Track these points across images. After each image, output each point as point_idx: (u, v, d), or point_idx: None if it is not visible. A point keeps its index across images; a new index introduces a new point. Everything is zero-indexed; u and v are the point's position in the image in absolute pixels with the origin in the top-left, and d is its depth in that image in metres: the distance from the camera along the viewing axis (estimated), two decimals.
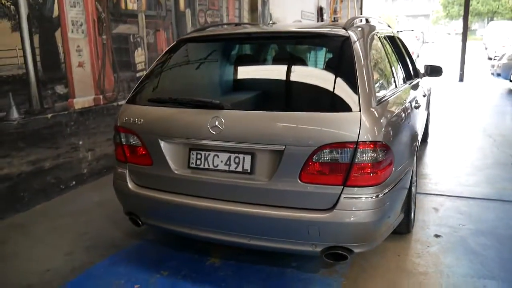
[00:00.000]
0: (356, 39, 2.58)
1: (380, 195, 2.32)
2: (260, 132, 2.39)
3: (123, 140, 2.79)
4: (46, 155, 4.12)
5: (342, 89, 2.40)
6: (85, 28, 4.54)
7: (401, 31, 26.03)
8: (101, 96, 4.80)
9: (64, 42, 4.28)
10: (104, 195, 4.00)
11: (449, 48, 29.94)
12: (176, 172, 2.59)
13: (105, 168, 4.75)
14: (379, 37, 3.21)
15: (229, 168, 2.47)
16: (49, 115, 4.14)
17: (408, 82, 3.76)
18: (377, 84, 2.62)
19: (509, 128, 7.14)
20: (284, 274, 2.78)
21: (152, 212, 2.80)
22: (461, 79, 13.38)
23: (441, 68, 4.81)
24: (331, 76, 2.54)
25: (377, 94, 2.47)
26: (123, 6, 5.12)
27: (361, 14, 16.38)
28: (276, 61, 3.33)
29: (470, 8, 19.54)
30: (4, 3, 3.69)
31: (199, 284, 2.71)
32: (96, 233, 3.44)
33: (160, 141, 2.61)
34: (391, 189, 2.43)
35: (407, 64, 4.08)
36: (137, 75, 5.33)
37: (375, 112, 2.33)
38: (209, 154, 2.52)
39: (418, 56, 18.77)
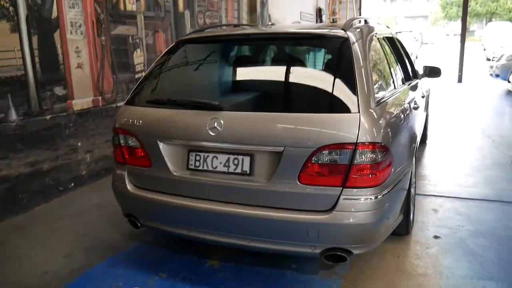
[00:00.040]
0: (355, 40, 2.58)
1: (379, 196, 2.32)
2: (259, 134, 2.39)
3: (121, 141, 2.79)
4: (45, 156, 4.11)
5: (341, 90, 2.40)
6: (84, 29, 4.54)
7: (399, 32, 26.07)
8: (100, 98, 4.79)
9: (63, 43, 4.27)
10: (103, 197, 3.99)
11: (447, 49, 29.97)
12: (175, 173, 2.58)
13: (104, 169, 4.75)
14: (377, 38, 3.21)
15: (228, 169, 2.47)
16: (48, 117, 4.13)
17: (407, 83, 3.76)
18: (376, 85, 2.62)
19: (508, 128, 7.15)
20: (283, 276, 2.78)
21: (151, 214, 2.79)
22: (459, 80, 13.40)
23: (439, 69, 4.81)
24: (330, 77, 2.54)
25: (376, 95, 2.47)
26: (122, 7, 5.11)
27: (360, 15, 16.40)
28: (275, 62, 3.32)
29: (469, 9, 19.58)
30: (3, 4, 3.68)
31: (198, 286, 2.70)
32: (95, 235, 3.43)
33: (159, 142, 2.61)
34: (390, 190, 2.43)
35: (406, 65, 4.08)
36: (136, 76, 5.33)
37: (374, 113, 2.33)
38: (208, 156, 2.51)
39: (416, 57, 18.79)
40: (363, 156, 2.25)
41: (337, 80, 2.43)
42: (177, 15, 6.31)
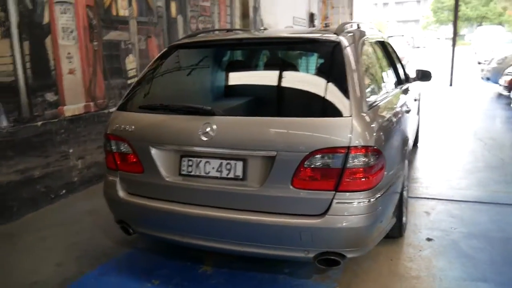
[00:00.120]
0: (347, 44, 2.59)
1: (372, 200, 2.32)
2: (252, 138, 2.38)
3: (113, 147, 2.77)
4: (36, 163, 4.07)
5: (333, 94, 2.40)
6: (76, 34, 4.52)
7: (391, 36, 26.22)
8: (92, 103, 4.77)
9: (54, 49, 4.25)
10: (95, 203, 3.96)
11: (439, 53, 30.18)
12: (167, 179, 2.57)
13: (96, 176, 4.71)
14: (370, 42, 3.23)
15: (220, 174, 2.46)
16: (39, 123, 4.10)
17: (399, 87, 3.78)
18: (368, 89, 2.63)
19: (499, 131, 7.21)
20: (276, 281, 2.77)
21: (143, 220, 2.77)
22: (451, 84, 13.48)
23: (430, 73, 4.85)
24: (322, 81, 2.54)
25: (368, 99, 2.47)
26: (114, 12, 5.10)
27: (352, 19, 16.49)
28: (268, 66, 3.33)
29: (460, 13, 19.75)
30: None
31: None
32: (87, 242, 3.40)
33: (151, 148, 2.59)
34: (383, 193, 2.43)
35: (398, 69, 4.10)
36: (128, 82, 5.30)
37: (366, 117, 2.33)
38: (200, 161, 2.50)
39: (408, 61, 18.89)
40: (355, 160, 2.25)
41: (330, 84, 2.44)
42: (170, 20, 6.31)
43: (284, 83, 2.79)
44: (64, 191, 4.38)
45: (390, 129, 2.73)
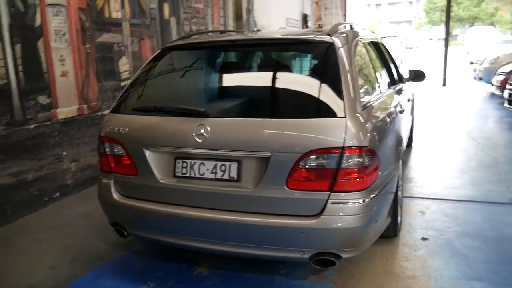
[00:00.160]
0: (340, 45, 2.60)
1: (367, 200, 2.32)
2: (246, 139, 2.38)
3: (107, 150, 2.76)
4: (29, 166, 4.05)
5: (327, 95, 2.40)
6: (68, 37, 4.50)
7: (384, 37, 26.34)
8: (85, 106, 4.75)
9: (47, 52, 4.23)
10: (89, 206, 3.94)
11: (431, 53, 30.35)
12: (161, 181, 2.56)
13: (90, 179, 4.69)
14: (363, 43, 3.23)
15: (215, 176, 2.45)
16: (32, 126, 4.07)
17: (393, 87, 3.79)
18: (362, 90, 2.64)
19: (492, 130, 7.25)
20: (272, 282, 2.76)
21: (138, 223, 2.76)
22: (444, 84, 13.56)
23: (424, 73, 4.87)
24: (316, 82, 2.55)
25: (362, 100, 2.48)
26: (107, 15, 5.08)
27: (345, 20, 16.54)
28: (261, 68, 3.33)
29: (452, 14, 19.87)
30: None
31: None
32: (81, 245, 3.38)
33: (145, 150, 2.58)
34: (377, 193, 2.43)
35: (391, 70, 4.12)
36: (122, 84, 5.29)
37: (360, 117, 2.34)
38: (195, 163, 2.49)
39: (401, 62, 18.98)
40: (350, 160, 2.25)
41: (323, 85, 2.44)
42: (163, 22, 6.30)
43: (278, 84, 2.79)
44: (58, 194, 4.35)
45: (384, 129, 2.74)
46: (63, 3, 4.41)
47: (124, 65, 5.40)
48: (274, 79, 2.83)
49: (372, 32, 4.25)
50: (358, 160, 2.26)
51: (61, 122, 4.40)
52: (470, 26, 40.77)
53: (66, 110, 4.47)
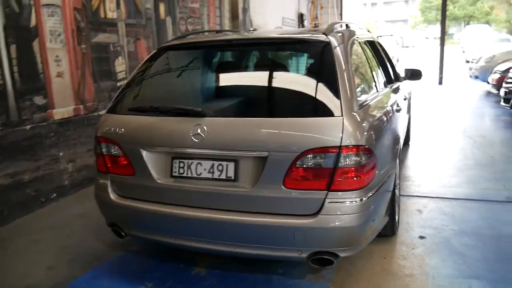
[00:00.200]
0: (336, 44, 2.60)
1: (364, 199, 2.32)
2: (243, 139, 2.38)
3: (104, 150, 2.75)
4: (26, 167, 4.03)
5: (324, 94, 2.40)
6: (64, 37, 4.48)
7: (380, 36, 26.38)
8: (81, 106, 4.73)
9: (42, 52, 4.21)
10: (86, 207, 3.93)
11: (428, 52, 30.41)
12: (158, 181, 2.56)
13: (87, 179, 4.67)
14: (359, 42, 3.24)
15: (212, 176, 2.45)
16: (28, 127, 4.06)
17: (389, 86, 3.79)
18: (359, 89, 2.64)
19: (488, 129, 7.27)
20: (270, 281, 2.76)
21: (135, 223, 2.75)
22: (440, 82, 13.60)
23: (420, 72, 4.88)
24: (312, 81, 2.55)
25: (358, 98, 2.48)
26: (102, 15, 5.07)
27: (341, 19, 16.55)
28: (258, 67, 3.32)
29: (447, 12, 19.89)
30: None
31: None
32: (78, 245, 3.37)
33: (141, 150, 2.58)
34: (375, 192, 2.44)
35: (388, 68, 4.12)
36: (118, 84, 5.27)
37: (357, 116, 2.34)
38: (192, 162, 2.49)
39: (398, 61, 19.01)
40: (347, 159, 2.25)
41: (320, 84, 2.44)
42: (159, 22, 6.28)
43: (275, 84, 2.79)
44: (54, 194, 4.34)
45: (381, 128, 2.74)
46: (58, 3, 4.40)
47: (120, 65, 5.38)
48: (270, 78, 2.83)
49: (368, 31, 4.25)
50: (355, 159, 2.26)
51: (57, 123, 4.39)
52: (466, 24, 40.92)
53: (62, 110, 4.46)
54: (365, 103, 2.59)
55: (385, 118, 2.90)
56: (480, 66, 11.58)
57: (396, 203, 3.25)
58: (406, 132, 5.38)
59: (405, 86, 4.76)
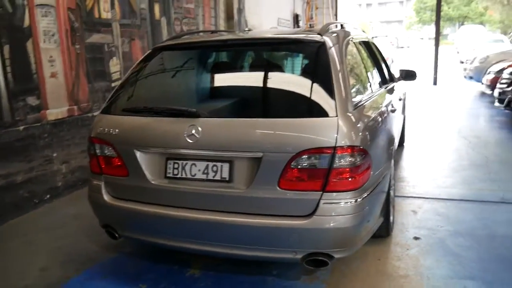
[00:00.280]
0: (331, 45, 2.59)
1: (359, 200, 2.32)
2: (238, 140, 2.37)
3: (97, 151, 2.73)
4: (19, 168, 4.00)
5: (319, 95, 2.40)
6: (58, 38, 4.45)
7: (376, 36, 26.45)
8: (75, 107, 4.70)
9: (36, 53, 4.18)
10: (80, 208, 3.90)
11: (422, 52, 30.51)
12: (153, 182, 2.54)
13: (80, 180, 4.65)
14: (354, 43, 3.23)
15: (207, 176, 2.43)
16: (21, 127, 4.02)
17: (384, 86, 3.80)
18: (353, 89, 2.64)
19: (483, 129, 7.30)
20: (265, 283, 2.75)
21: (129, 224, 2.74)
22: (435, 83, 13.64)
23: (415, 72, 4.89)
24: (307, 81, 2.54)
25: (353, 99, 2.47)
26: (96, 15, 5.04)
27: (336, 20, 16.57)
28: (252, 67, 3.31)
29: (442, 13, 19.98)
30: None
31: None
32: (72, 247, 3.35)
33: (135, 151, 2.56)
34: (370, 193, 2.43)
35: (382, 69, 4.12)
36: (113, 85, 5.24)
37: (352, 116, 2.33)
38: (186, 163, 2.48)
39: (392, 61, 19.06)
40: (342, 160, 2.24)
41: (315, 84, 2.43)
42: (154, 23, 6.26)
43: (269, 84, 2.78)
44: (48, 196, 4.31)
45: (376, 129, 2.74)
46: (52, 3, 4.37)
47: (115, 65, 5.36)
48: (265, 78, 2.82)
49: (363, 31, 4.26)
50: (350, 159, 2.26)
51: (51, 124, 4.36)
52: (460, 25, 41.10)
53: (56, 111, 4.43)
54: (360, 104, 2.59)
55: (380, 119, 2.90)
56: (475, 66, 11.63)
57: (391, 204, 3.25)
58: (401, 133, 5.39)
59: (400, 86, 4.77)
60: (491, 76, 9.12)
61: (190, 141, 2.40)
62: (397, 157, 5.12)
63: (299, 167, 2.27)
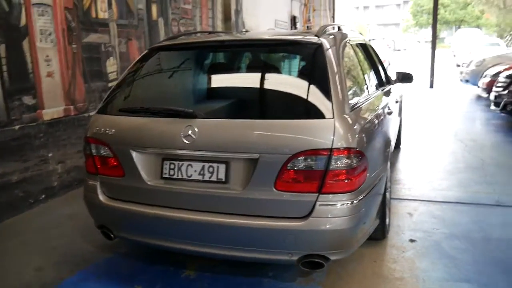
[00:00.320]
0: (328, 47, 2.59)
1: (355, 202, 2.32)
2: (234, 141, 2.36)
3: (93, 151, 2.72)
4: (14, 168, 3.98)
5: (316, 96, 2.39)
6: (54, 37, 4.44)
7: (373, 39, 26.54)
8: (71, 107, 4.69)
9: (32, 52, 4.16)
10: (75, 208, 3.88)
11: (419, 55, 30.61)
12: (148, 183, 2.53)
13: (76, 180, 4.63)
14: (351, 45, 3.23)
15: (203, 177, 2.43)
16: (17, 127, 4.01)
17: (381, 88, 3.80)
18: (350, 91, 2.63)
19: (479, 132, 7.32)
20: (261, 284, 2.75)
21: (125, 225, 2.72)
22: (431, 86, 13.68)
23: (411, 75, 4.90)
24: (304, 83, 2.53)
25: (350, 101, 2.47)
26: (93, 15, 5.03)
27: (334, 22, 16.59)
28: (249, 69, 3.32)
29: (438, 16, 20.05)
30: None
31: None
32: (67, 247, 3.33)
33: (131, 151, 2.55)
34: (366, 195, 2.43)
35: (379, 71, 4.13)
36: (109, 85, 5.23)
37: (348, 118, 2.33)
38: (182, 164, 2.47)
39: (389, 64, 19.12)
40: (338, 162, 2.24)
41: (312, 86, 2.43)
42: (151, 23, 6.25)
43: (266, 85, 2.78)
44: (43, 196, 4.29)
45: (372, 131, 2.74)
46: (49, 2, 4.36)
47: (112, 65, 5.35)
48: (262, 80, 2.82)
49: (360, 34, 4.26)
50: (346, 161, 2.25)
51: (47, 123, 4.34)
52: (457, 28, 41.27)
53: (52, 111, 4.41)
54: (356, 106, 2.59)
55: (376, 121, 2.90)
56: (471, 70, 11.68)
57: (387, 206, 3.25)
58: (397, 135, 5.40)
59: (397, 89, 4.78)
60: (487, 79, 9.16)
61: (187, 142, 2.40)
62: (393, 160, 5.13)
63: (295, 168, 2.26)
